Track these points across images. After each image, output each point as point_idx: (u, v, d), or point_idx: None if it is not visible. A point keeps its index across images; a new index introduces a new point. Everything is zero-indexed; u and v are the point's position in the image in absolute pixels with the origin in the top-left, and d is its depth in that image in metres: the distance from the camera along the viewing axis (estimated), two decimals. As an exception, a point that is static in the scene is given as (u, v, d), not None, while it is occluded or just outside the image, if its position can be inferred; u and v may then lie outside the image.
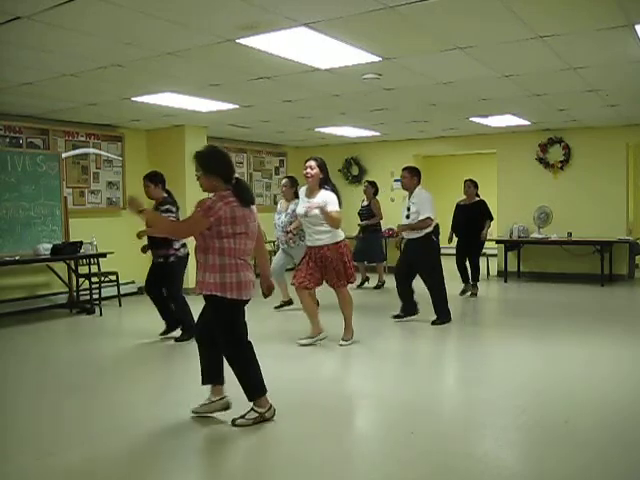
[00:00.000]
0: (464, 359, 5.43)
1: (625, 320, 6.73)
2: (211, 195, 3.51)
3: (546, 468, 3.02)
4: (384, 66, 5.44)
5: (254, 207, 3.63)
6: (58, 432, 3.61)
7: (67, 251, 7.33)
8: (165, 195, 5.92)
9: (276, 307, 7.44)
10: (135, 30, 4.33)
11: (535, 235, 9.73)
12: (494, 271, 10.48)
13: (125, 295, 8.41)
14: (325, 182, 5.27)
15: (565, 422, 3.60)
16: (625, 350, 5.34)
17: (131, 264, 8.65)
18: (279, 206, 7.39)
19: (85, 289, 7.81)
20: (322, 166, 5.26)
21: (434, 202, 6.32)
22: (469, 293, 8.34)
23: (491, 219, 8.48)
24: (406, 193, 6.52)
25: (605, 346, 5.47)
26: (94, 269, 7.77)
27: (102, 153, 8.69)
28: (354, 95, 6.89)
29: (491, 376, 4.71)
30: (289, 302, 7.49)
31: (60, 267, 7.82)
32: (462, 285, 8.38)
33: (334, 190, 5.26)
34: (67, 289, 7.94)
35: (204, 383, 3.72)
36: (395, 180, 11.20)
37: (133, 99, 6.82)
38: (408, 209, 6.33)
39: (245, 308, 3.58)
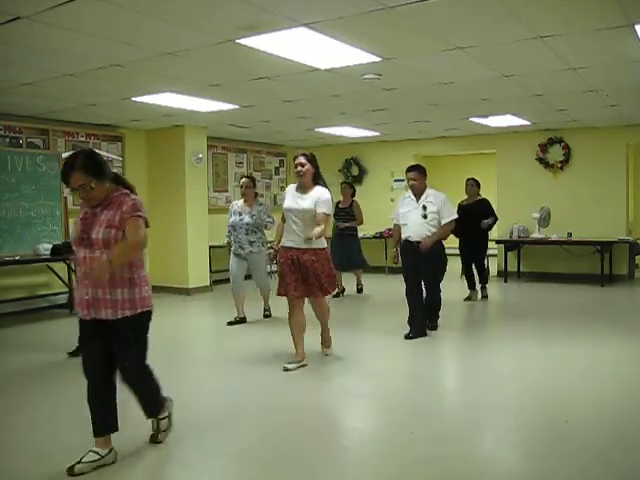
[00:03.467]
0: (464, 359, 5.42)
1: (625, 320, 6.73)
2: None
3: (546, 468, 3.02)
4: (384, 66, 5.44)
5: None
6: (54, 432, 3.61)
7: (67, 251, 7.30)
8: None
9: (230, 323, 6.67)
10: (135, 30, 4.33)
11: (535, 235, 9.73)
12: (494, 271, 10.46)
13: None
14: (317, 177, 4.89)
15: (565, 422, 3.59)
16: (625, 350, 5.34)
17: (131, 264, 8.66)
18: (236, 206, 6.67)
19: (85, 289, 7.79)
20: (313, 161, 4.89)
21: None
22: (476, 298, 8.04)
23: (496, 218, 8.08)
24: (406, 193, 6.09)
25: (605, 346, 5.47)
26: (94, 269, 7.76)
27: (102, 153, 8.65)
28: (354, 95, 6.89)
29: (491, 376, 4.71)
30: (244, 319, 6.72)
31: (60, 267, 7.82)
32: (468, 291, 8.07)
33: (326, 186, 4.89)
34: (67, 289, 7.94)
35: (102, 434, 3.10)
36: (395, 180, 11.22)
37: (133, 99, 6.82)
38: (424, 208, 5.79)
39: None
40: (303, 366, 4.85)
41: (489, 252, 10.43)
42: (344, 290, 8.61)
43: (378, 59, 5.20)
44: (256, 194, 6.79)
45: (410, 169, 5.93)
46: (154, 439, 3.34)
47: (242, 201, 6.69)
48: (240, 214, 6.58)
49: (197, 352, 5.89)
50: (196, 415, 3.87)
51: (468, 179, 8.28)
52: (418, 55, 5.14)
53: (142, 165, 9.35)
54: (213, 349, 6.10)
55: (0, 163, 7.19)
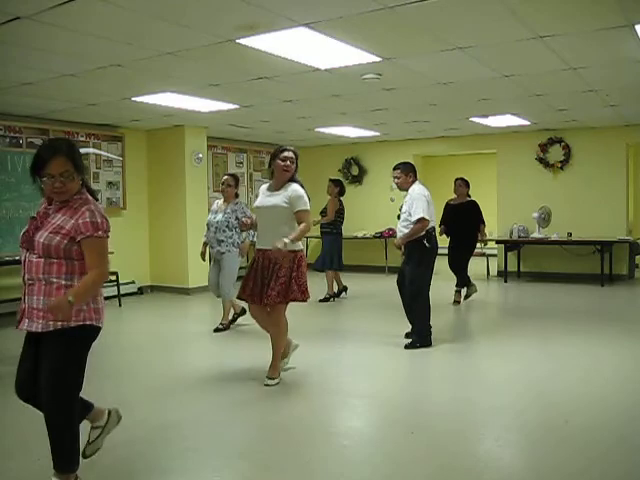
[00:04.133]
0: (464, 359, 5.42)
1: (625, 320, 6.73)
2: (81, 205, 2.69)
3: (546, 468, 3.01)
4: (384, 66, 5.44)
5: None
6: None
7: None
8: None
9: (217, 329, 6.43)
10: (135, 30, 4.33)
11: (535, 235, 9.73)
12: (494, 271, 10.47)
13: (125, 295, 8.41)
14: (294, 175, 4.47)
15: (565, 422, 3.60)
16: (625, 350, 5.34)
17: (131, 264, 8.68)
18: (215, 205, 6.51)
19: (85, 289, 7.78)
20: (297, 159, 4.47)
21: (430, 199, 5.50)
22: (470, 297, 7.86)
23: (482, 223, 7.81)
24: (406, 194, 5.71)
25: (605, 346, 5.47)
26: (94, 269, 7.76)
27: (102, 153, 8.69)
28: (354, 95, 6.89)
29: (490, 376, 4.71)
30: (228, 325, 6.49)
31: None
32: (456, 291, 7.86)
33: (302, 186, 4.47)
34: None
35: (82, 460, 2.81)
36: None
37: (133, 99, 6.82)
38: (400, 208, 5.68)
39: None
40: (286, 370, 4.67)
41: (489, 252, 10.49)
42: (345, 288, 8.41)
43: (378, 59, 5.20)
44: (237, 194, 6.52)
45: (395, 167, 5.75)
46: (84, 453, 2.91)
47: (222, 200, 6.50)
48: (216, 212, 6.43)
49: (199, 351, 5.89)
50: (196, 415, 3.87)
51: (457, 179, 7.99)
52: (418, 55, 5.14)
53: (142, 165, 9.35)
54: (215, 347, 6.10)
55: (0, 163, 7.19)
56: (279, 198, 4.36)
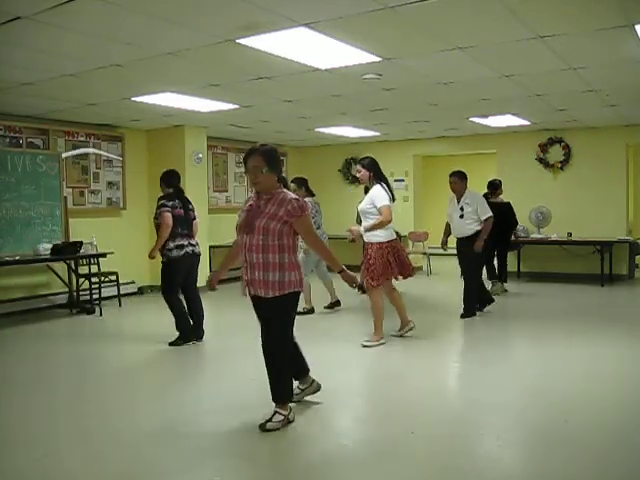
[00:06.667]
0: (464, 359, 5.43)
1: (625, 320, 6.73)
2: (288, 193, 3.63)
3: (546, 468, 3.02)
4: (384, 66, 5.44)
5: None
6: (54, 433, 3.61)
7: (67, 251, 7.33)
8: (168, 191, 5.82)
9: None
10: (135, 30, 4.33)
11: (535, 235, 9.73)
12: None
13: (125, 295, 8.41)
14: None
15: (565, 422, 3.60)
16: (626, 350, 5.34)
17: (131, 264, 8.67)
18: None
19: (85, 289, 7.81)
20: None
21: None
22: (500, 292, 8.50)
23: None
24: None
25: (605, 346, 5.47)
26: (94, 269, 7.77)
27: (102, 153, 8.69)
28: (354, 95, 6.89)
29: (490, 376, 4.71)
30: (312, 310, 7.32)
31: (60, 267, 7.83)
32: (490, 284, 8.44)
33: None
34: (67, 289, 7.94)
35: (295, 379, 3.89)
36: (395, 180, 11.20)
37: (133, 99, 6.82)
38: (461, 209, 6.73)
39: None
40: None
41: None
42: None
43: (378, 59, 5.20)
44: (311, 193, 7.01)
45: (452, 174, 6.86)
46: (261, 426, 3.50)
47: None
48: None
49: (202, 348, 5.89)
50: (196, 415, 3.87)
51: (450, 175, 8.02)
52: (418, 55, 5.14)
53: (142, 165, 9.34)
54: (219, 344, 6.10)
55: (0, 163, 7.19)
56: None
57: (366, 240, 5.68)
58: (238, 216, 3.71)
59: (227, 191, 10.88)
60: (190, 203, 5.92)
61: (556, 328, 6.26)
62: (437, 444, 3.35)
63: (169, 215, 5.58)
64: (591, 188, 9.71)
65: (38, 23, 4.04)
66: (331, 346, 5.67)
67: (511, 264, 9.95)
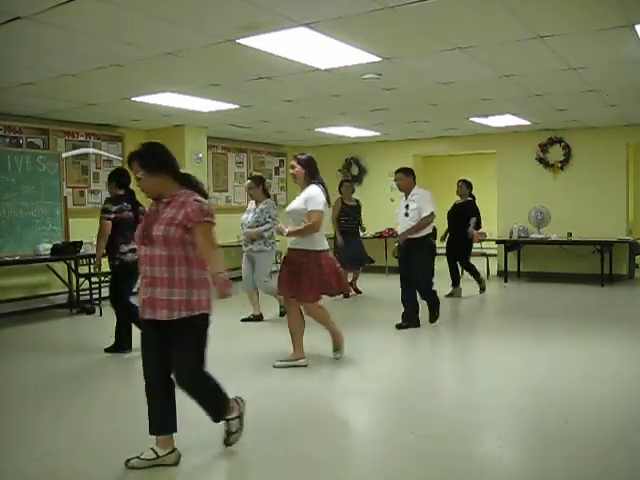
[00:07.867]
0: (464, 360, 5.43)
1: (625, 320, 6.73)
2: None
3: (546, 468, 3.02)
4: (384, 66, 5.44)
5: None
6: (55, 434, 3.61)
7: (67, 251, 7.33)
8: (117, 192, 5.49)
9: (244, 320, 6.76)
10: (135, 30, 4.33)
11: (535, 235, 9.73)
12: (494, 271, 10.47)
13: (125, 295, 8.40)
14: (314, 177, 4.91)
15: (565, 422, 3.59)
16: (626, 350, 5.34)
17: (131, 264, 8.65)
18: (250, 206, 6.84)
19: (85, 289, 7.81)
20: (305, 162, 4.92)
21: (433, 200, 6.26)
22: (459, 295, 8.25)
23: (474, 216, 8.26)
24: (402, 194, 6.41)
25: (605, 346, 5.47)
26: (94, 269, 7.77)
27: (102, 153, 8.68)
28: (354, 95, 6.89)
29: (491, 376, 4.71)
30: (260, 317, 6.79)
31: (60, 267, 7.82)
32: (451, 288, 8.28)
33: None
34: (67, 289, 7.94)
35: (157, 433, 3.11)
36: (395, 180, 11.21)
37: (133, 99, 6.82)
38: (407, 207, 6.21)
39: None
40: (297, 366, 4.81)
41: (489, 252, 10.48)
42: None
43: (378, 59, 5.20)
44: (267, 194, 6.84)
45: (397, 171, 6.46)
46: (226, 442, 3.23)
47: (254, 201, 6.83)
48: (249, 212, 6.79)
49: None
50: (195, 414, 3.87)
51: (459, 180, 8.66)
52: (418, 55, 5.14)
53: (142, 165, 9.33)
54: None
55: (0, 163, 7.19)
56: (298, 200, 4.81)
57: (302, 247, 4.76)
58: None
59: (227, 191, 10.89)
60: (141, 205, 5.45)
61: (556, 328, 6.26)
62: (437, 444, 3.35)
63: (108, 223, 5.35)
64: (591, 188, 9.71)
65: (38, 23, 4.04)
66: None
67: (511, 264, 9.96)
